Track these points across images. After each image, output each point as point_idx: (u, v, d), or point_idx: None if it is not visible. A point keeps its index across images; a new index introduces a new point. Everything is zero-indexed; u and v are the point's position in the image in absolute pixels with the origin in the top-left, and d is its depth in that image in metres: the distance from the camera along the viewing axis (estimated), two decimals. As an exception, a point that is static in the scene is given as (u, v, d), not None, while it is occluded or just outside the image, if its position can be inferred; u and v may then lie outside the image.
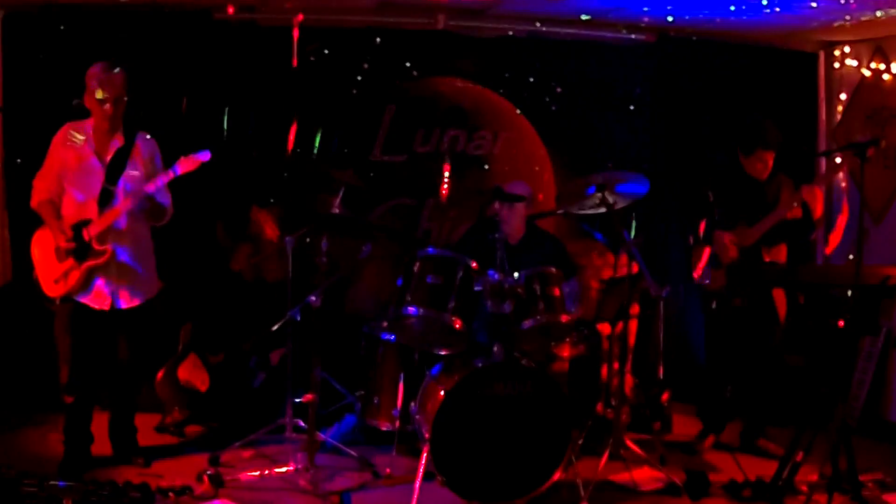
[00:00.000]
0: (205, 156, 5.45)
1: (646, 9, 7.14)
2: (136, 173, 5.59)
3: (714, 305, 6.27)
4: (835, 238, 6.34)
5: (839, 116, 8.15)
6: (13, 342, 7.05)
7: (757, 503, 5.47)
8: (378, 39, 7.53)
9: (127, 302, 5.62)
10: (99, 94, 5.43)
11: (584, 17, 7.18)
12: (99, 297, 5.57)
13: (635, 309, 7.07)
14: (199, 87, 7.31)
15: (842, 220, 6.28)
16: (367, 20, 7.47)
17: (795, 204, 6.06)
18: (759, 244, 6.15)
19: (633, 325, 7.22)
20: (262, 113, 7.45)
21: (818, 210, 5.97)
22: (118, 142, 5.60)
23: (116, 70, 5.49)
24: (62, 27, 7.10)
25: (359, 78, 7.54)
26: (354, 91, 7.56)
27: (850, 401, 6.96)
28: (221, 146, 7.29)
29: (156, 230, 5.88)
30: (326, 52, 7.43)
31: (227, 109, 7.38)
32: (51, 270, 5.54)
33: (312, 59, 7.42)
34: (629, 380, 6.85)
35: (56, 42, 6.95)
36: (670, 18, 7.38)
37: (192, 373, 6.75)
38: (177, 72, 7.25)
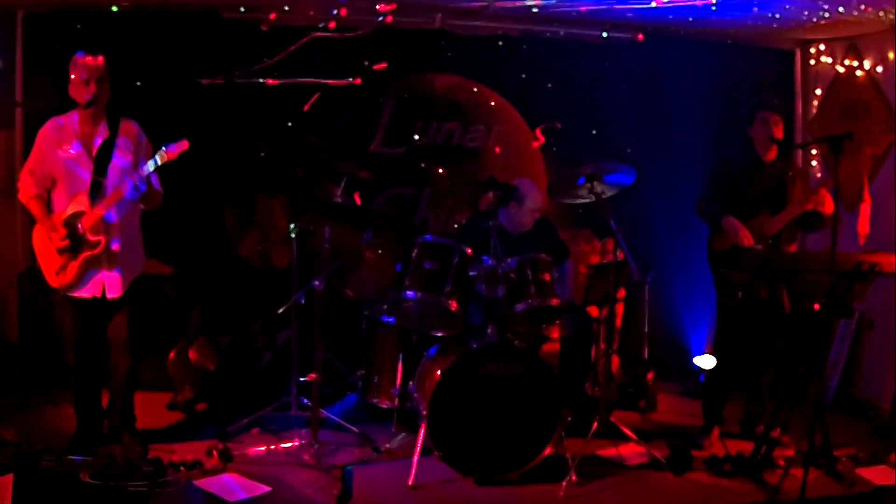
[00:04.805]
0: (183, 144, 5.30)
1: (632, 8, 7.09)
2: (123, 161, 5.45)
3: (739, 296, 6.06)
4: (863, 227, 6.26)
5: (815, 111, 8.11)
6: (32, 324, 7.05)
7: (737, 477, 5.44)
8: (379, 37, 7.46)
9: (116, 290, 5.48)
10: (83, 74, 5.31)
11: (534, 10, 7.11)
12: (91, 287, 5.45)
13: (621, 293, 7.03)
14: (209, 83, 7.25)
15: (865, 208, 6.19)
16: (369, 19, 7.41)
17: (809, 201, 5.90)
18: (780, 235, 5.98)
19: (620, 309, 7.19)
20: (268, 107, 7.39)
21: (828, 208, 5.84)
22: (103, 132, 5.46)
23: (98, 56, 5.36)
24: (78, 26, 7.05)
25: (361, 74, 7.48)
26: (357, 86, 7.50)
27: (824, 380, 6.94)
28: (231, 138, 7.28)
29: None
30: (330, 50, 7.37)
31: (235, 104, 7.31)
32: (51, 262, 5.44)
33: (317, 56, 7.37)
34: (615, 360, 6.82)
35: (72, 41, 6.85)
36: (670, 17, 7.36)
37: (201, 353, 6.72)
38: (187, 69, 7.19)
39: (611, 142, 7.86)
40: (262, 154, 7.36)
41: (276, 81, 7.27)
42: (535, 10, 7.16)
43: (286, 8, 7.18)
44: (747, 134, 6.14)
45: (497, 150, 7.81)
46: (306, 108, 7.37)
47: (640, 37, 7.83)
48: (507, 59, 7.77)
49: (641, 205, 7.66)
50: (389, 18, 7.29)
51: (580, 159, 6.80)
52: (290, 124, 7.41)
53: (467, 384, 5.31)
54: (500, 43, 7.72)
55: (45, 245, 5.46)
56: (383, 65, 7.45)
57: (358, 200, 7.20)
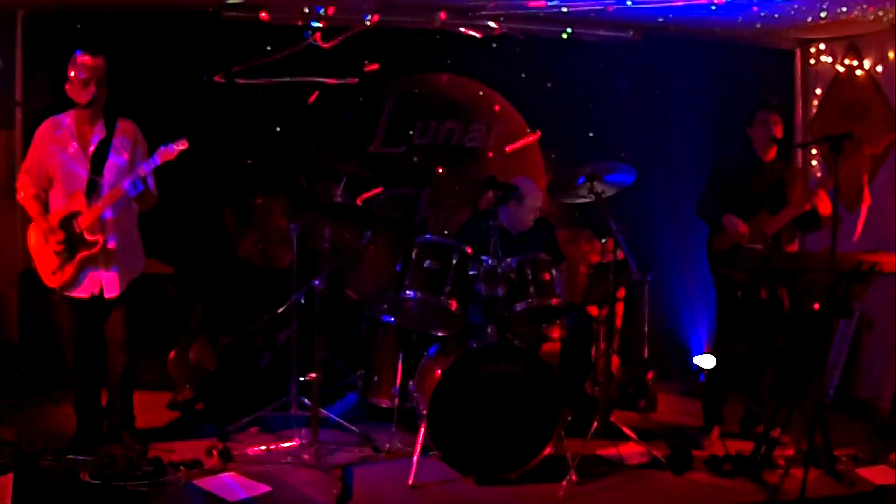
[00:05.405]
0: (182, 144, 5.29)
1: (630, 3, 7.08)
2: (120, 161, 5.44)
3: (739, 296, 6.00)
4: (858, 225, 6.27)
5: (815, 110, 8.11)
6: (32, 324, 7.06)
7: (737, 477, 5.44)
8: (378, 37, 7.46)
9: (113, 290, 5.47)
10: (83, 74, 5.30)
11: (564, 10, 7.11)
12: (88, 286, 5.44)
13: (621, 293, 7.03)
14: (209, 83, 7.25)
15: (864, 208, 6.20)
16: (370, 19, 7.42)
17: (808, 201, 5.89)
18: (780, 235, 5.95)
19: (620, 309, 7.19)
20: (267, 107, 7.38)
21: (826, 209, 5.82)
22: (100, 132, 5.44)
23: (97, 56, 5.35)
24: (79, 26, 7.06)
25: (360, 73, 7.47)
26: (356, 86, 7.50)
27: (824, 380, 6.93)
28: (231, 138, 7.29)
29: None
30: (330, 50, 7.36)
31: (235, 104, 7.31)
32: (47, 262, 5.43)
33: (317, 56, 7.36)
34: (615, 360, 6.81)
35: (72, 41, 6.85)
36: (660, 18, 7.34)
37: (201, 353, 6.72)
38: (186, 69, 7.19)
39: (610, 142, 7.85)
40: (262, 155, 7.37)
41: (276, 81, 7.27)
42: (564, 9, 7.14)
43: (306, 10, 7.17)
44: (747, 134, 6.13)
45: (497, 149, 7.80)
46: (308, 104, 7.37)
47: (640, 37, 7.84)
48: (506, 59, 7.75)
49: (641, 205, 7.66)
50: (376, 17, 7.28)
51: (579, 159, 6.82)
52: (289, 124, 7.40)
53: (467, 384, 5.30)
54: (500, 43, 7.71)
55: (41, 245, 5.44)
56: (375, 66, 7.45)
57: (358, 201, 7.19)
